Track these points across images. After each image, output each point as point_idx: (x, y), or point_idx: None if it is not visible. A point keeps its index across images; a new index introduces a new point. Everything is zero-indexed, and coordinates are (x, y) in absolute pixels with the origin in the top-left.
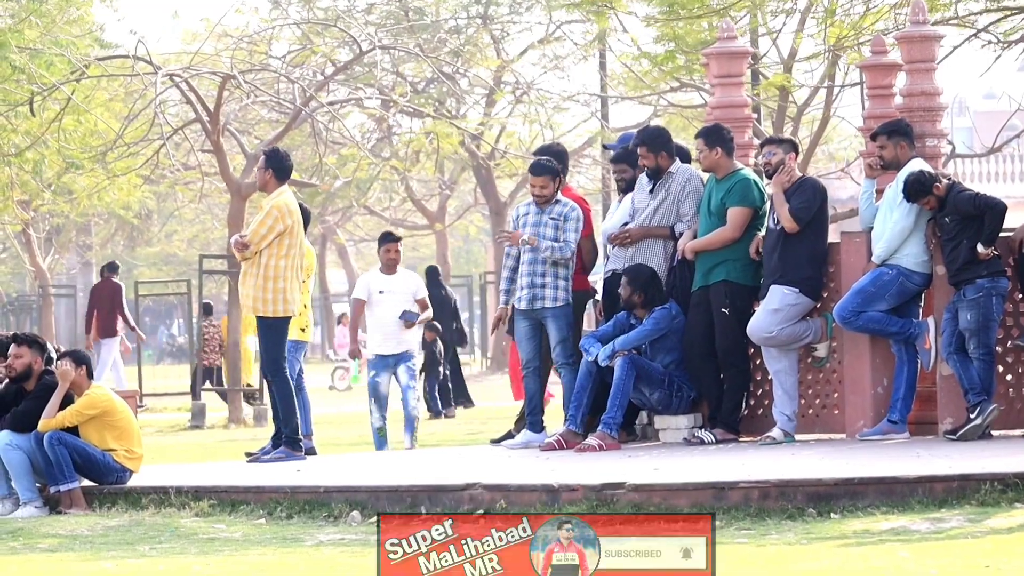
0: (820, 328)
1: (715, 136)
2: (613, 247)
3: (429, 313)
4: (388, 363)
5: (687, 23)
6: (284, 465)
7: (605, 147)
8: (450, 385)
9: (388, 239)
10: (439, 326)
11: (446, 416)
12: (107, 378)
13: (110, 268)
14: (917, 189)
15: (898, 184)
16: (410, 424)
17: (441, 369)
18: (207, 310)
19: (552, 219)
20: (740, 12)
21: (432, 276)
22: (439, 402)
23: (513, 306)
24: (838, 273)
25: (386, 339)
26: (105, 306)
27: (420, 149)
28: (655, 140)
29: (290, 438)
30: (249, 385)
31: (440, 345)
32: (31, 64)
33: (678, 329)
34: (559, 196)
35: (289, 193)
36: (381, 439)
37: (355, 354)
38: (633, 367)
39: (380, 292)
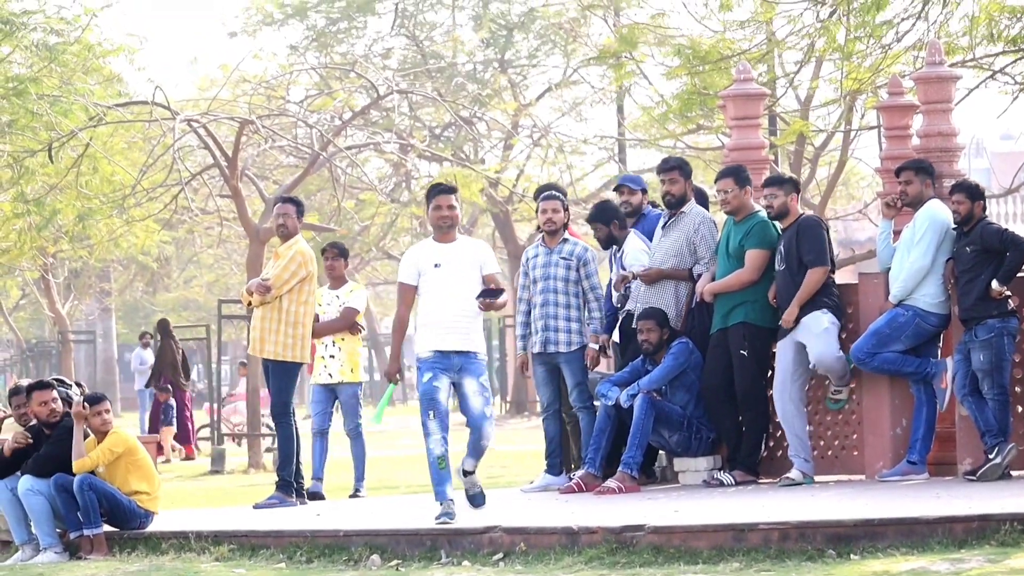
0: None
1: (744, 176)
2: (623, 291)
3: (506, 297)
4: (451, 364)
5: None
6: (303, 509)
7: (616, 188)
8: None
9: (439, 191)
10: (170, 387)
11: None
12: None
13: None
14: (968, 189)
15: (915, 224)
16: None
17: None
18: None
19: (563, 259)
20: (757, 61)
21: (163, 328)
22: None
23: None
24: (856, 314)
25: (447, 331)
26: None
27: None
28: (687, 167)
29: (285, 482)
30: None
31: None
32: (50, 111)
33: (696, 365)
34: (566, 235)
35: (304, 241)
36: (442, 473)
37: (392, 377)
38: (652, 407)
39: (436, 266)
